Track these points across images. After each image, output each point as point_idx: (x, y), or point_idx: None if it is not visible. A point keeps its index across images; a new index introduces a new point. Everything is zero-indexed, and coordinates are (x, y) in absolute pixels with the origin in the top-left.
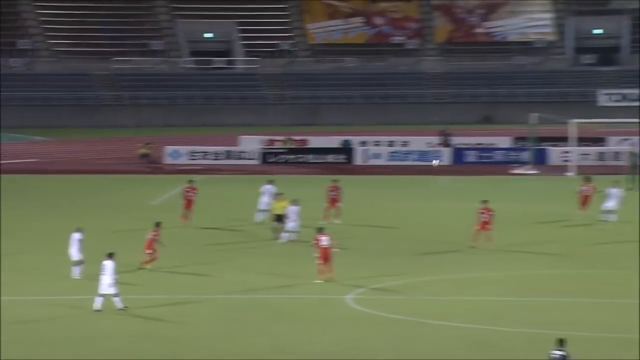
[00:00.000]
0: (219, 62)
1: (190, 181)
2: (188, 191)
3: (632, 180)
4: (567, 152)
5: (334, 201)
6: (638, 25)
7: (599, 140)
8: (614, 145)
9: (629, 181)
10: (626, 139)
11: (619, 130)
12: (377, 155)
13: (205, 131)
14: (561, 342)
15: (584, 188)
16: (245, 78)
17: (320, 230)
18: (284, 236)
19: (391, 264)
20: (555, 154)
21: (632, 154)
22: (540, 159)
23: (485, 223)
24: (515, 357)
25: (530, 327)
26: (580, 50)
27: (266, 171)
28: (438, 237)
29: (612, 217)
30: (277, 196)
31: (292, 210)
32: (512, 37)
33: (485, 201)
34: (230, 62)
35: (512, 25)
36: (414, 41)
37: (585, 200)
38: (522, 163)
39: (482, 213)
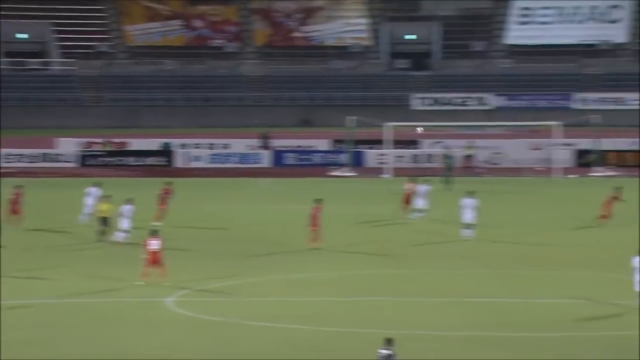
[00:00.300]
0: (33, 63)
1: (18, 186)
2: (16, 195)
3: (447, 182)
4: (383, 154)
5: (164, 203)
6: (448, 32)
7: (413, 143)
8: (427, 147)
9: (443, 182)
10: (438, 142)
11: (431, 133)
12: (197, 158)
13: (21, 133)
14: (389, 342)
15: (408, 187)
16: (62, 80)
17: (152, 233)
18: (120, 235)
19: (216, 265)
20: (371, 156)
21: (446, 156)
22: (357, 162)
23: (316, 221)
24: (341, 357)
25: (356, 327)
26: (394, 55)
27: (85, 174)
28: (263, 239)
29: (419, 215)
30: (103, 199)
31: (126, 209)
32: (329, 42)
33: (318, 200)
34: (45, 64)
35: (329, 30)
36: (233, 44)
37: (407, 199)
38: (340, 165)
39: (316, 212)
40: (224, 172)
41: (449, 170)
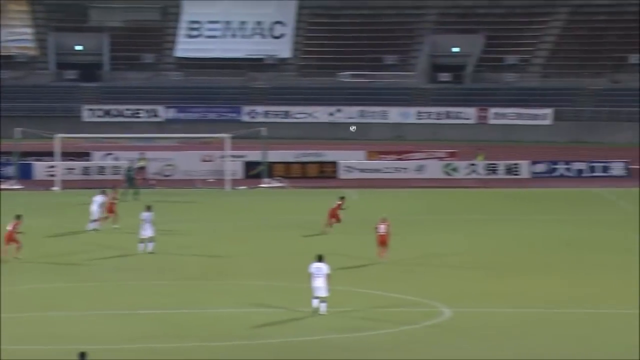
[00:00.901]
0: None
1: None
2: None
3: (134, 193)
4: (52, 166)
5: None
6: (117, 43)
7: (84, 155)
8: (98, 159)
9: (129, 194)
10: (109, 154)
11: (103, 145)
12: None
13: None
14: (82, 355)
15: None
16: None
17: None
18: None
19: None
20: (40, 168)
21: (127, 168)
22: (25, 174)
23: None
24: None
25: (30, 343)
26: (62, 65)
27: None
28: None
29: (93, 225)
30: None
31: None
32: None
33: (18, 215)
34: None
35: None
36: None
37: (111, 210)
38: (7, 178)
39: (15, 227)
40: None
41: (130, 182)
